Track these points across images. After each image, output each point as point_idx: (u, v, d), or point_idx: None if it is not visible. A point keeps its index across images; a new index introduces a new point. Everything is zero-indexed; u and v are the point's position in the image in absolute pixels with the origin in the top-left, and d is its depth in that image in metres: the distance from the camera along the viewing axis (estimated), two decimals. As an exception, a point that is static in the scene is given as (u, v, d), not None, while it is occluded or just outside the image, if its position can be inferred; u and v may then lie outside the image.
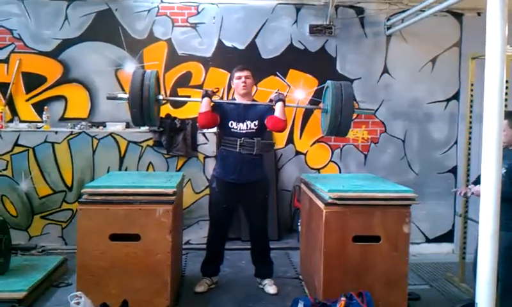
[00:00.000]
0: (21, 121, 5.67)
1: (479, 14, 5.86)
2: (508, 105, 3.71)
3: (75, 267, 3.64)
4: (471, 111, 4.70)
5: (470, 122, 4.72)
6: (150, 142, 5.47)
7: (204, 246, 4.43)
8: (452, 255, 5.73)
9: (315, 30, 5.90)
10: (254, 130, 4.04)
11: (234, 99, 4.26)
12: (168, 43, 5.87)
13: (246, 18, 5.90)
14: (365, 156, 6.06)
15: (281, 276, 4.57)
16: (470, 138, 4.74)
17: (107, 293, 3.50)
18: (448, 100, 6.04)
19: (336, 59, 5.97)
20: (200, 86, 5.74)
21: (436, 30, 5.88)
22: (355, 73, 5.97)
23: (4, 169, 5.37)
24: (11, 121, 5.65)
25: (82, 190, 3.67)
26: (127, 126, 5.60)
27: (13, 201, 5.42)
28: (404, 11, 5.63)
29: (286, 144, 6.02)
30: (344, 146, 6.04)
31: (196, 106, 4.05)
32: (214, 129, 4.94)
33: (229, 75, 5.42)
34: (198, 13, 5.88)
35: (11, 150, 5.38)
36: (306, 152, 6.04)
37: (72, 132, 5.46)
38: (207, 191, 5.03)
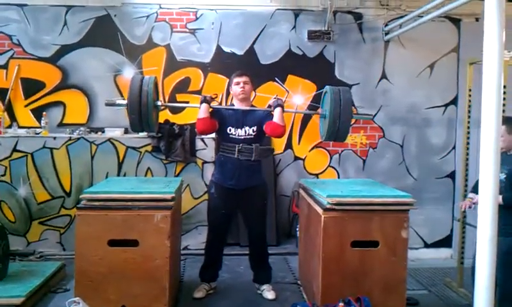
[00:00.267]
0: (20, 127, 5.67)
1: (476, 19, 5.88)
2: (506, 111, 3.74)
3: (73, 273, 3.63)
4: (469, 116, 4.72)
5: (468, 127, 4.73)
6: (149, 148, 5.47)
7: (202, 252, 4.41)
8: (451, 260, 5.72)
9: (313, 36, 5.91)
10: (252, 136, 4.04)
11: (233, 105, 4.26)
12: (167, 48, 5.88)
13: (245, 23, 5.92)
14: (364, 161, 6.07)
15: (279, 281, 4.56)
16: (468, 143, 4.75)
17: (106, 299, 3.50)
18: (446, 106, 6.06)
19: (335, 64, 5.99)
20: (199, 92, 5.75)
21: (434, 35, 5.89)
22: (353, 79, 5.98)
23: (2, 175, 5.37)
24: (9, 126, 5.65)
25: (81, 196, 3.67)
26: (126, 131, 5.60)
27: (12, 206, 5.41)
28: (402, 17, 5.66)
29: (284, 150, 6.02)
30: (342, 151, 6.05)
31: (195, 112, 4.05)
32: (213, 135, 4.94)
33: (228, 80, 5.44)
34: (197, 18, 5.90)
35: (10, 156, 5.38)
36: (305, 157, 6.05)
37: (70, 137, 5.46)
38: (206, 197, 5.04)
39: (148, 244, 3.55)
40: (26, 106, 5.79)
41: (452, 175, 6.07)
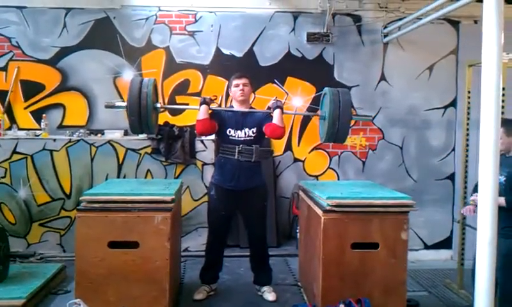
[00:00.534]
0: (19, 129, 5.67)
1: (475, 22, 5.90)
2: (504, 113, 3.75)
3: (73, 275, 3.64)
4: (468, 118, 4.73)
5: (468, 129, 4.75)
6: (148, 150, 5.48)
7: (203, 253, 4.42)
8: (451, 261, 5.73)
9: (312, 38, 5.92)
10: (252, 138, 4.05)
11: (232, 106, 4.26)
12: (166, 51, 5.88)
13: (244, 26, 5.93)
14: (363, 163, 6.08)
15: (280, 283, 4.56)
16: (467, 145, 4.77)
17: (106, 301, 3.51)
18: (445, 107, 6.07)
19: (334, 66, 6.00)
20: (198, 94, 5.76)
21: (433, 38, 5.91)
22: (353, 81, 5.99)
23: (2, 177, 5.37)
24: (9, 128, 5.66)
25: (81, 198, 3.67)
26: (125, 133, 5.60)
27: (12, 208, 5.41)
28: (401, 19, 5.66)
29: (284, 151, 6.03)
30: (342, 153, 6.05)
31: (194, 113, 4.05)
32: (212, 136, 4.95)
33: (227, 82, 5.44)
34: (196, 21, 5.90)
35: (10, 158, 5.38)
36: (305, 159, 6.05)
37: (70, 139, 5.46)
38: (206, 198, 5.04)
39: (148, 245, 3.55)
40: (26, 108, 5.79)
41: (451, 177, 6.07)
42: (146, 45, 5.86)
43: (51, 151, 5.42)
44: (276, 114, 3.94)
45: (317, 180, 5.98)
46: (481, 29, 2.77)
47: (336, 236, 3.53)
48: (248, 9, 5.92)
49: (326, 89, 3.98)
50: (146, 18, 5.85)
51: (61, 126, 5.80)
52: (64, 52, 5.79)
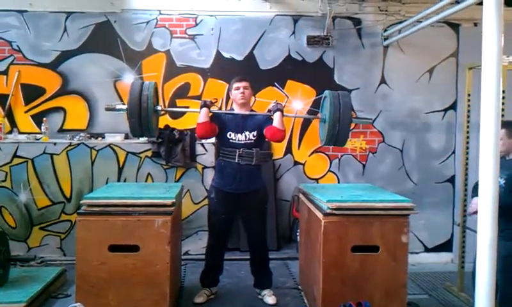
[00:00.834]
0: (20, 133, 5.68)
1: (475, 24, 5.90)
2: (505, 115, 3.75)
3: (74, 278, 3.64)
4: (468, 121, 4.74)
5: (468, 132, 4.75)
6: (149, 153, 5.47)
7: (203, 257, 4.41)
8: (451, 264, 5.72)
9: (312, 41, 5.93)
10: (253, 141, 4.05)
11: (232, 109, 4.27)
12: (167, 54, 5.89)
13: (244, 29, 5.94)
14: (363, 166, 6.07)
15: (280, 286, 4.56)
16: (467, 148, 4.77)
17: (106, 304, 3.51)
18: (445, 110, 6.07)
19: (334, 69, 6.00)
20: (199, 97, 5.75)
21: (433, 40, 5.91)
22: (353, 84, 5.99)
23: (3, 181, 5.37)
24: (10, 132, 5.66)
25: (81, 202, 3.68)
26: (126, 137, 5.60)
27: (12, 212, 5.41)
28: (401, 22, 5.68)
29: (284, 154, 6.03)
30: (342, 156, 6.05)
31: (195, 117, 4.06)
32: (213, 140, 4.95)
33: (227, 86, 5.45)
34: (197, 24, 5.91)
35: (10, 161, 5.38)
36: (305, 162, 6.05)
37: (70, 143, 5.46)
38: (206, 202, 5.04)
39: (149, 249, 3.55)
40: (26, 112, 5.80)
41: (451, 180, 6.07)
42: (147, 49, 5.87)
43: (51, 154, 5.42)
44: (276, 117, 3.95)
45: (317, 183, 5.98)
46: (481, 32, 2.78)
47: (336, 239, 3.53)
48: (248, 13, 5.93)
49: (326, 92, 3.99)
50: (147, 22, 5.86)
51: (61, 130, 5.80)
52: (65, 55, 5.80)
